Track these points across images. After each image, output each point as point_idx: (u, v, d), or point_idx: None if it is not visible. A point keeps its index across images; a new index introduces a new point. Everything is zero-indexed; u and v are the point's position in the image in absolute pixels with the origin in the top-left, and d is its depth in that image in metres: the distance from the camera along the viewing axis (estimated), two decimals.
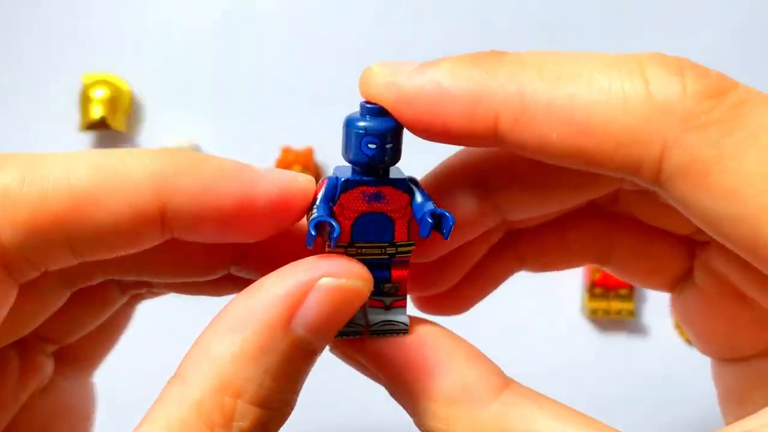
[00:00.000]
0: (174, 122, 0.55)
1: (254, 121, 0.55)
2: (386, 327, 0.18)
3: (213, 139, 0.55)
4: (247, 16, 0.55)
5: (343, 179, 0.17)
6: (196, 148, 0.53)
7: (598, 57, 0.15)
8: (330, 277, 0.16)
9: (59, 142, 0.55)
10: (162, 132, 0.54)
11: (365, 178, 0.17)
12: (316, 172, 0.53)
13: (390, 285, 0.18)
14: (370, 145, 0.16)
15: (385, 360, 0.17)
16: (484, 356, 0.17)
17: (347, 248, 0.17)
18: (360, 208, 0.17)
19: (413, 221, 0.17)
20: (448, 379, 0.16)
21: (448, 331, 0.18)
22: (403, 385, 0.17)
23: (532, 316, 0.53)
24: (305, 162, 0.53)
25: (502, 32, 0.53)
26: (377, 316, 0.18)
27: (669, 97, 0.13)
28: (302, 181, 0.17)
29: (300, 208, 0.17)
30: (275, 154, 0.54)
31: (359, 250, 0.17)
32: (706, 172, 0.13)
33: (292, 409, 0.17)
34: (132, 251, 0.17)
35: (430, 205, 0.17)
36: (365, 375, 0.19)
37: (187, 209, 0.16)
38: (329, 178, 0.17)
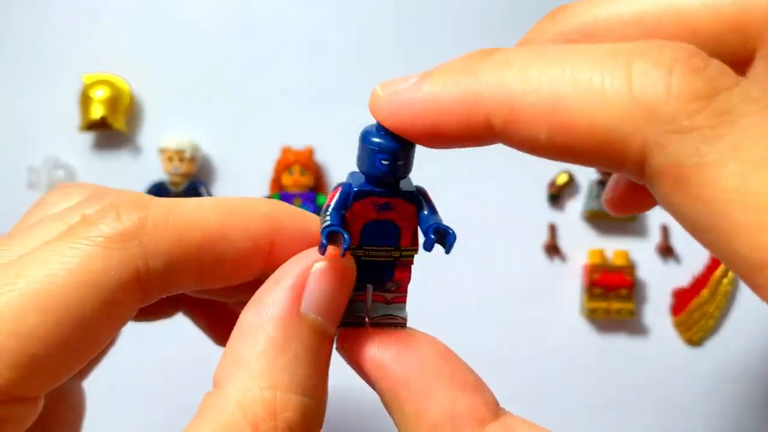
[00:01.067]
0: (174, 122, 0.55)
1: (254, 121, 0.55)
2: (386, 320, 0.20)
3: (213, 138, 0.55)
4: (247, 16, 0.56)
5: (356, 189, 0.18)
6: (196, 149, 0.53)
7: (587, 52, 0.14)
8: (320, 262, 0.18)
9: (60, 142, 0.55)
10: (162, 132, 0.54)
11: (376, 189, 0.18)
12: (316, 172, 0.53)
13: (392, 283, 0.19)
14: (383, 161, 0.17)
15: (384, 372, 0.18)
16: (481, 384, 0.18)
17: (355, 249, 0.19)
18: (370, 216, 0.18)
19: (418, 229, 0.19)
20: (437, 405, 0.17)
21: (449, 351, 0.18)
22: (396, 400, 0.17)
23: (532, 317, 0.53)
24: (305, 162, 0.53)
25: (501, 20, 0.53)
26: (378, 310, 0.20)
27: (651, 98, 0.13)
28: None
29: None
30: (275, 154, 0.54)
31: (366, 252, 0.19)
32: (685, 178, 0.13)
33: (326, 396, 0.18)
34: (242, 281, 0.19)
35: (434, 219, 0.18)
36: (366, 381, 0.19)
37: (291, 242, 0.19)
38: (343, 185, 0.18)
